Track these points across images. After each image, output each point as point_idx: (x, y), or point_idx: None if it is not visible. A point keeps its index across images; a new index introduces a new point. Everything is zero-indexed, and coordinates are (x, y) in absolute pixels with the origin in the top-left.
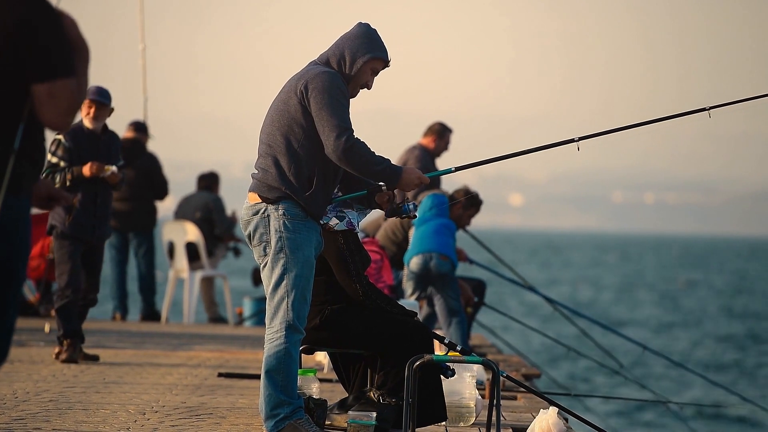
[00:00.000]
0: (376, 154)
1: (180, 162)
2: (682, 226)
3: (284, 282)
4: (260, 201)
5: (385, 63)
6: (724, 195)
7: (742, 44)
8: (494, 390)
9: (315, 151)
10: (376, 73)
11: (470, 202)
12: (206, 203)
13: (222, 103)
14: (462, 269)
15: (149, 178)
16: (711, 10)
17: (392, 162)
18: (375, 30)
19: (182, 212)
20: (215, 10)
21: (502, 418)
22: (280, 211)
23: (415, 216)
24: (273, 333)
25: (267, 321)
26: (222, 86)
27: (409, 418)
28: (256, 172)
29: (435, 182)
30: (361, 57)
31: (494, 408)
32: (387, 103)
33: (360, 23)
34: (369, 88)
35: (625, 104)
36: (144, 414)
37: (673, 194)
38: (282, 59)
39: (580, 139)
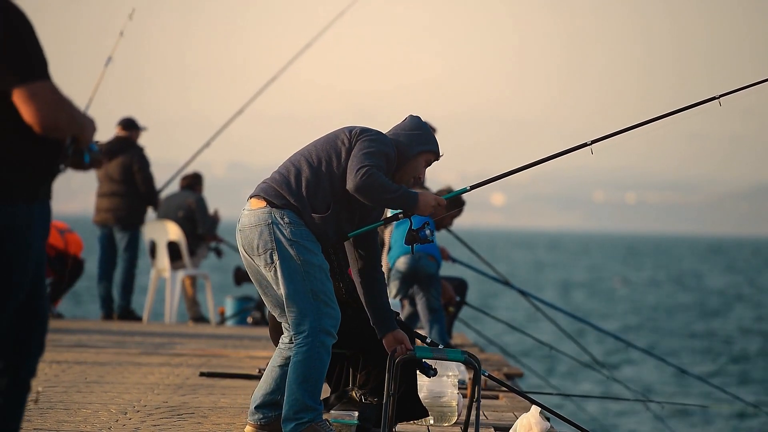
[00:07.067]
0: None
1: (161, 161)
2: (664, 225)
3: (305, 288)
4: (264, 206)
5: (437, 157)
6: (707, 195)
7: (742, 43)
8: (475, 387)
9: (340, 186)
10: (428, 165)
11: (453, 203)
12: (189, 203)
13: (204, 103)
14: (443, 268)
15: (132, 175)
16: (711, 10)
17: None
18: (427, 123)
19: (164, 211)
20: (200, 11)
21: (484, 418)
22: (286, 219)
23: (431, 241)
24: (303, 338)
25: (291, 328)
26: (204, 86)
27: (389, 412)
28: (276, 176)
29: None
30: (418, 146)
31: (474, 405)
32: (368, 101)
33: (412, 116)
34: (420, 182)
35: (623, 105)
36: (125, 414)
37: (654, 194)
38: (264, 59)
39: (593, 142)
